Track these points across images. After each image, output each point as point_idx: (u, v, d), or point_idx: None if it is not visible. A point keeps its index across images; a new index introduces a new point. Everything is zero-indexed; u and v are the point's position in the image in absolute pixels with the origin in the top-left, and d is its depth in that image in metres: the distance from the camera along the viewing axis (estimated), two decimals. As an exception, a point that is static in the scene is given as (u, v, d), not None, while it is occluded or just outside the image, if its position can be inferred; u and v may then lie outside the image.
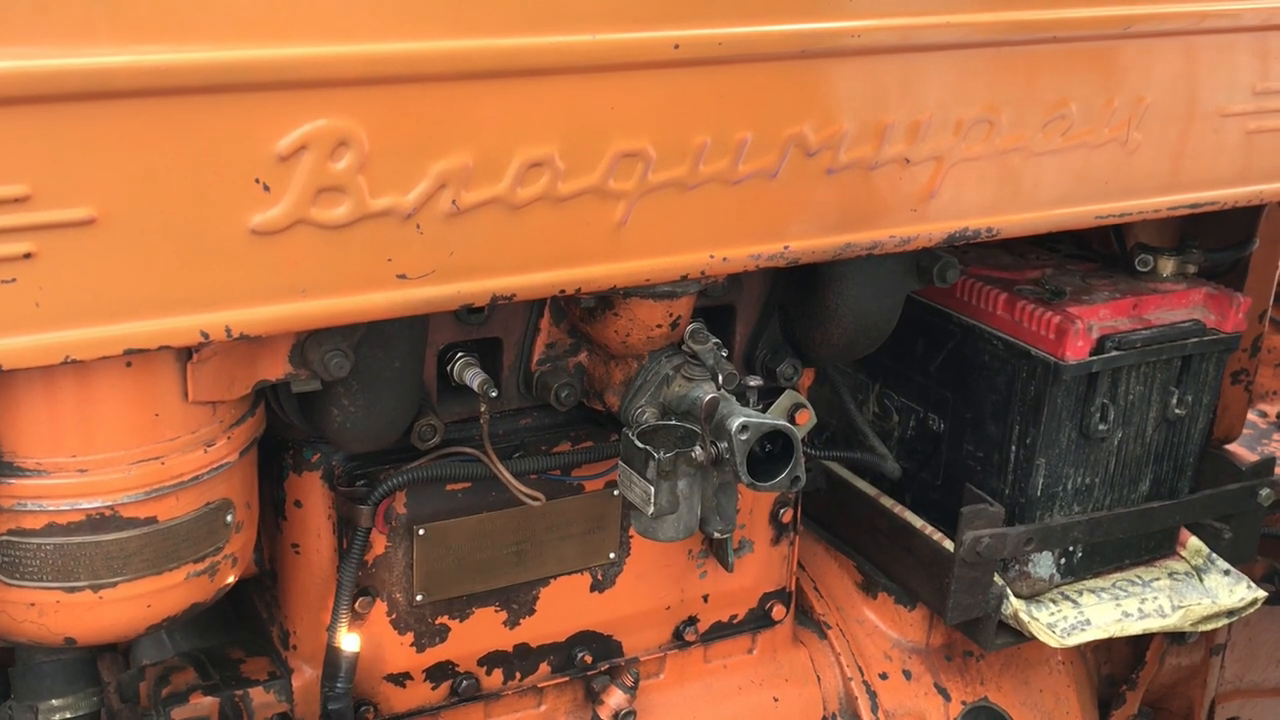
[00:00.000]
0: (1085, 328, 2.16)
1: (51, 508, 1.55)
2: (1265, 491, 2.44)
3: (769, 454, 1.79)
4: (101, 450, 1.55)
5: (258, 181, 1.41)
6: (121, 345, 1.40)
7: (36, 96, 1.28)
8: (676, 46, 1.56)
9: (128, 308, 1.39)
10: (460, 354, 1.90)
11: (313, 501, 1.94)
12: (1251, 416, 3.20)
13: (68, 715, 1.89)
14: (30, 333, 1.36)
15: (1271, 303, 2.74)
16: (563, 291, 1.64)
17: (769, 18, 1.61)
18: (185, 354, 1.56)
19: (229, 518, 1.69)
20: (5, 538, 1.56)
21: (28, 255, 1.33)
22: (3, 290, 1.33)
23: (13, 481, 1.53)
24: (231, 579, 1.76)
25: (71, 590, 1.59)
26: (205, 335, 1.44)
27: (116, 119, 1.33)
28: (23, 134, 1.29)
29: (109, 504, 1.56)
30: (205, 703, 1.93)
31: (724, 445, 1.74)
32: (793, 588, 2.36)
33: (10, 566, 1.57)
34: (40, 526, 1.55)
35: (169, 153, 1.36)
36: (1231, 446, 2.66)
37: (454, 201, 1.51)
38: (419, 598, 2.00)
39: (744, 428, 1.72)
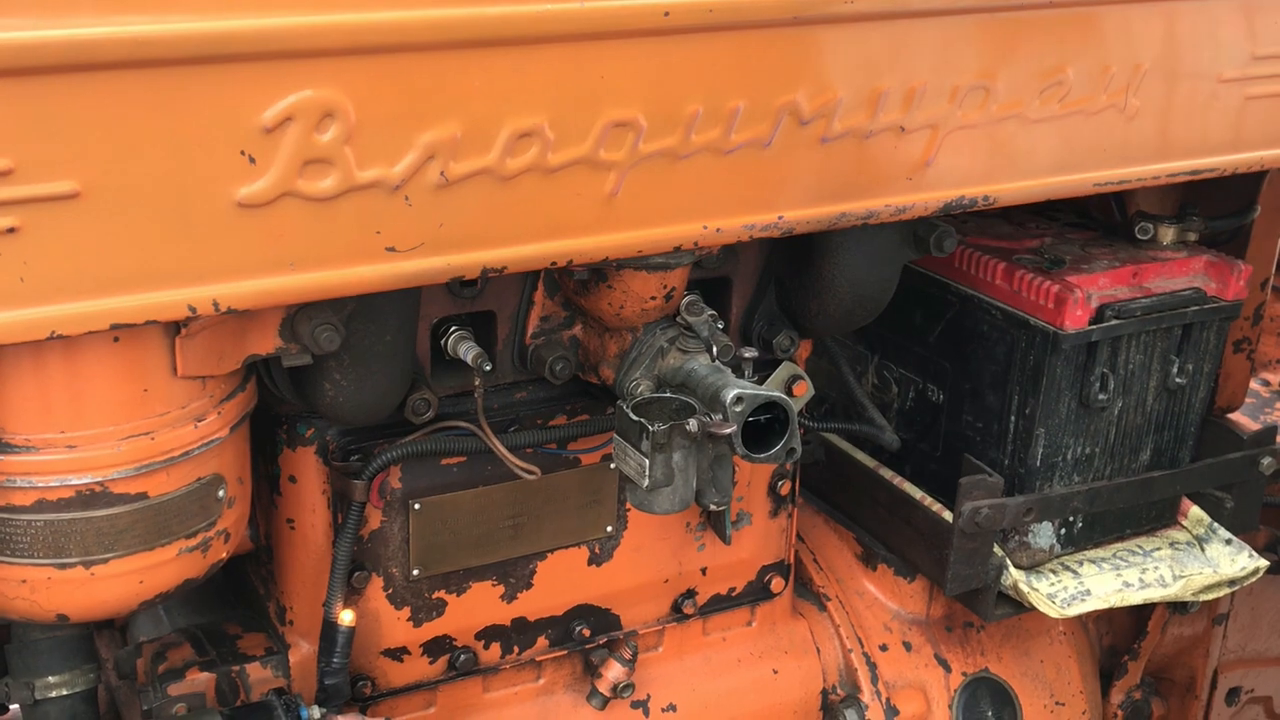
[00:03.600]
0: (1084, 296, 2.15)
1: (41, 484, 1.55)
2: (1267, 460, 2.44)
3: (765, 425, 1.79)
4: (90, 426, 1.55)
5: (243, 154, 1.40)
6: (108, 320, 1.40)
7: (16, 69, 1.28)
8: (667, 14, 1.55)
9: (114, 282, 1.39)
10: (453, 328, 1.89)
11: (307, 476, 1.94)
12: (1254, 385, 3.19)
13: (64, 692, 1.89)
14: (15, 308, 1.36)
15: (1274, 270, 2.73)
16: (554, 263, 1.64)
17: None
18: (173, 328, 1.56)
19: (221, 493, 1.70)
20: None
21: (11, 230, 1.32)
22: None
23: (1, 458, 1.54)
24: (224, 555, 1.76)
25: (63, 567, 1.59)
26: (192, 309, 1.44)
27: (99, 91, 1.32)
28: (3, 107, 1.29)
29: (99, 480, 1.57)
30: (202, 678, 1.94)
31: (719, 417, 1.73)
32: (791, 560, 2.36)
33: (1, 543, 1.57)
34: (30, 503, 1.56)
35: (153, 125, 1.36)
36: (1233, 415, 2.66)
37: (442, 173, 1.50)
38: (415, 572, 2.01)
39: (739, 399, 1.71)
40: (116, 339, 1.52)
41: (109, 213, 1.36)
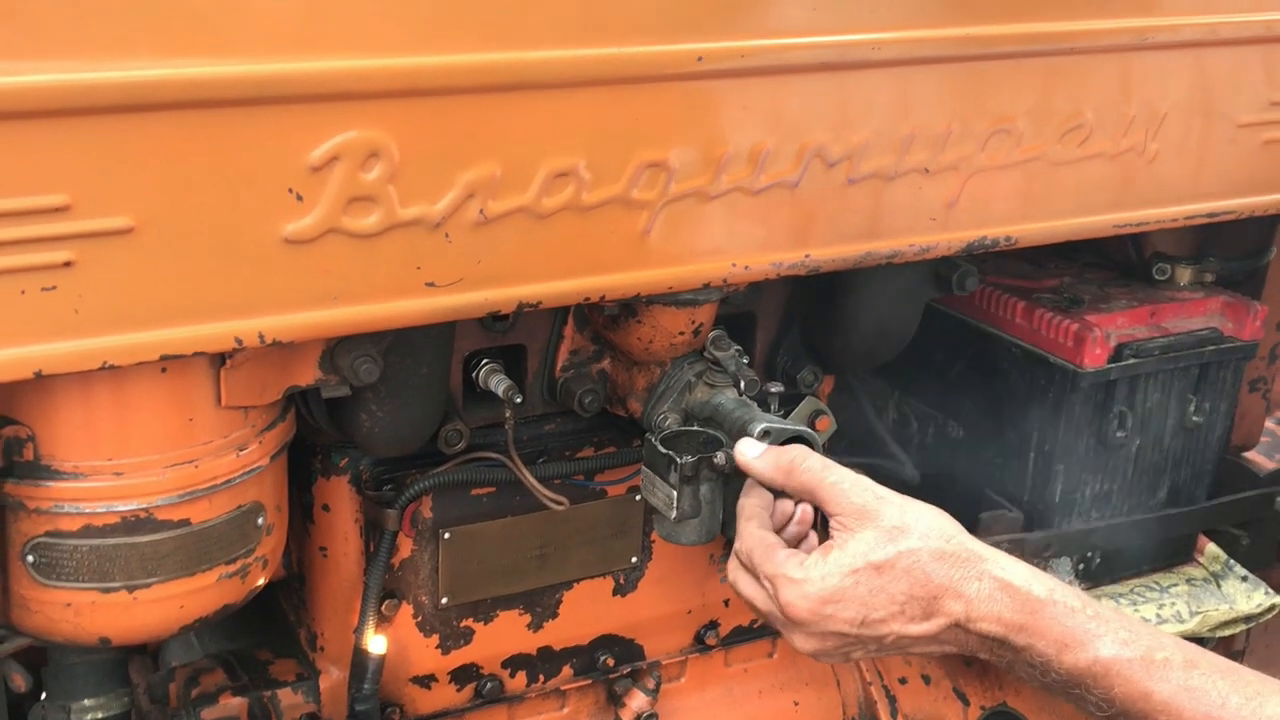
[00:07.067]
0: (1103, 335, 2.19)
1: (88, 510, 1.58)
2: None
3: None
4: (137, 454, 1.58)
5: (291, 191, 1.44)
6: (157, 351, 1.43)
7: (76, 108, 1.32)
8: (700, 59, 1.58)
9: (164, 314, 1.43)
10: (485, 361, 1.92)
11: (340, 505, 1.97)
12: (1269, 424, 3.21)
13: (99, 715, 1.90)
14: (69, 339, 1.39)
15: None
16: (587, 299, 1.68)
17: (790, 31, 1.64)
18: (219, 360, 1.59)
19: (260, 520, 1.73)
20: (42, 539, 1.59)
21: (67, 263, 1.36)
22: (43, 298, 1.36)
23: (50, 484, 1.57)
24: (262, 581, 1.79)
25: (107, 591, 1.62)
26: (239, 341, 1.47)
27: (154, 130, 1.36)
28: (63, 145, 1.32)
29: (144, 506, 1.60)
30: (234, 703, 1.96)
31: None
32: None
33: (47, 567, 1.60)
34: (77, 528, 1.59)
35: (205, 163, 1.39)
36: (1249, 454, 2.69)
37: (481, 211, 1.54)
38: (444, 600, 2.03)
39: (766, 432, 1.74)
40: (164, 369, 1.55)
41: (161, 247, 1.40)
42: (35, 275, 1.36)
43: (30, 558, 1.60)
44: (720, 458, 1.76)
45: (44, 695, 1.92)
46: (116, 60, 1.32)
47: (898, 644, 1.57)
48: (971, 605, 1.52)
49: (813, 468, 1.63)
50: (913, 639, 1.55)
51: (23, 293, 1.35)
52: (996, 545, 2.16)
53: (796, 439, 1.78)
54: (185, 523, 1.63)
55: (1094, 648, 1.48)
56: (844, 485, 1.60)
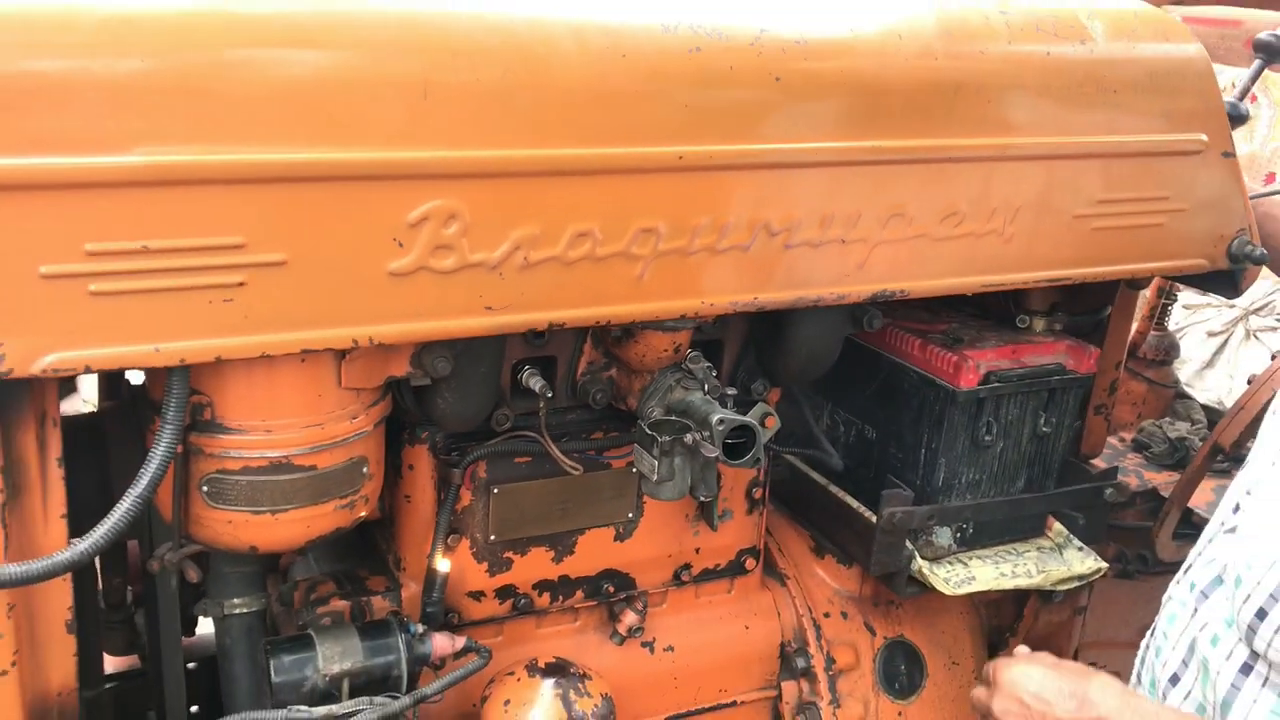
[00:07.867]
0: (975, 365, 2.26)
1: (246, 455, 1.67)
2: (1110, 490, 2.53)
3: (741, 445, 1.89)
4: (282, 417, 1.67)
5: (394, 240, 1.54)
6: (299, 346, 1.54)
7: (251, 178, 1.46)
8: (680, 157, 1.68)
9: (305, 321, 1.53)
10: (527, 366, 1.99)
11: (420, 465, 2.03)
12: (1112, 441, 3.33)
13: (244, 610, 1.97)
14: (240, 336, 1.50)
15: (1125, 355, 2.87)
16: (599, 323, 1.75)
17: (746, 139, 1.73)
18: (340, 354, 1.67)
19: (365, 469, 1.79)
20: (213, 475, 1.68)
21: (240, 284, 1.48)
22: (223, 306, 1.49)
23: (221, 437, 1.66)
24: (364, 514, 1.83)
25: (256, 513, 1.70)
26: (355, 342, 1.57)
27: (302, 194, 1.48)
28: (241, 203, 1.46)
29: (285, 455, 1.67)
30: (340, 605, 2.04)
31: (706, 434, 1.87)
32: (762, 547, 2.43)
33: (216, 495, 1.70)
34: (238, 468, 1.67)
35: (336, 218, 1.51)
36: (1095, 460, 2.77)
37: (525, 258, 1.62)
38: (492, 538, 2.09)
39: (721, 421, 1.84)
40: (303, 359, 1.64)
41: (305, 275, 1.51)
42: (218, 291, 1.48)
43: (204, 488, 1.70)
44: (689, 438, 1.87)
45: (204, 594, 2.00)
46: (277, 146, 1.46)
47: None
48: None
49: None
50: None
51: (209, 303, 1.49)
52: (893, 514, 2.31)
53: (743, 428, 1.89)
54: (313, 468, 1.70)
55: None
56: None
